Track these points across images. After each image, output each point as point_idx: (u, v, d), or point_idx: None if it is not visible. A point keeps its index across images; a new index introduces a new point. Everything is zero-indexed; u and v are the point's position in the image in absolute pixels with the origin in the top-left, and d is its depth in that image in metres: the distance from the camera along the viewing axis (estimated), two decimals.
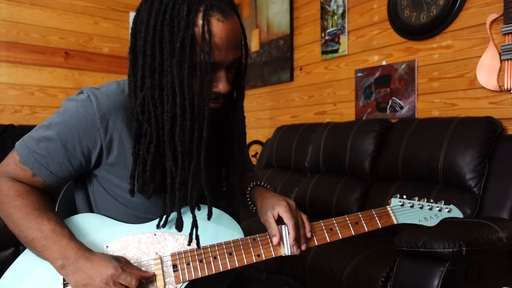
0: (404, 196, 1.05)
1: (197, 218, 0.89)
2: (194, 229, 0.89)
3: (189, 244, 0.89)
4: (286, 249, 0.93)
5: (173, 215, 0.91)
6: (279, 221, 0.94)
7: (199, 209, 0.90)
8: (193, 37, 0.78)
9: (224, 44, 0.80)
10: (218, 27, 0.78)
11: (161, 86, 0.81)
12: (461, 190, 1.72)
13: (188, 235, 0.90)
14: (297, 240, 0.92)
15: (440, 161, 1.78)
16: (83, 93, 0.88)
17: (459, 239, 1.21)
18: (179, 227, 0.89)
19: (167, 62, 0.79)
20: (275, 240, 0.92)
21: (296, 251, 0.93)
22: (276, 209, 0.93)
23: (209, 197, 0.88)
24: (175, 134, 0.82)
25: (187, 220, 0.90)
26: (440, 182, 1.81)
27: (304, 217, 0.96)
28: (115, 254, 0.87)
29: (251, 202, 1.05)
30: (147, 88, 0.81)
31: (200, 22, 0.78)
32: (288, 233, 0.92)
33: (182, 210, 0.89)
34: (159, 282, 0.86)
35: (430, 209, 1.03)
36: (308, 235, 0.94)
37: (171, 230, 0.91)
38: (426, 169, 1.84)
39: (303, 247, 0.94)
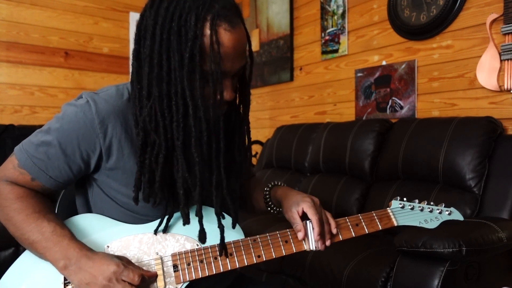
0: (405, 199, 1.05)
1: (197, 219, 0.89)
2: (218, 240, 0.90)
3: (220, 255, 0.90)
4: (311, 244, 0.94)
5: (174, 216, 0.91)
6: (304, 218, 0.95)
7: (223, 218, 0.91)
8: (201, 47, 0.77)
9: (231, 54, 0.80)
10: (225, 37, 0.78)
11: (169, 95, 0.80)
12: (461, 190, 1.72)
13: (189, 236, 0.90)
14: (322, 236, 0.93)
15: (440, 161, 1.78)
16: (82, 98, 0.87)
17: (459, 239, 1.21)
18: (203, 239, 0.90)
19: (176, 72, 0.78)
20: (300, 235, 0.93)
21: (320, 247, 0.93)
22: (300, 206, 0.94)
23: (232, 206, 0.90)
24: (190, 145, 0.81)
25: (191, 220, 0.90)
26: (440, 182, 1.81)
27: (329, 214, 0.96)
28: (116, 254, 0.87)
29: (271, 203, 1.05)
30: (155, 97, 0.80)
31: (208, 32, 0.77)
32: (313, 228, 0.92)
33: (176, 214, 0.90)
34: (160, 282, 0.86)
35: (431, 211, 1.03)
36: (334, 231, 0.95)
37: (172, 230, 0.91)
38: (426, 169, 1.84)
39: (328, 243, 0.95)
